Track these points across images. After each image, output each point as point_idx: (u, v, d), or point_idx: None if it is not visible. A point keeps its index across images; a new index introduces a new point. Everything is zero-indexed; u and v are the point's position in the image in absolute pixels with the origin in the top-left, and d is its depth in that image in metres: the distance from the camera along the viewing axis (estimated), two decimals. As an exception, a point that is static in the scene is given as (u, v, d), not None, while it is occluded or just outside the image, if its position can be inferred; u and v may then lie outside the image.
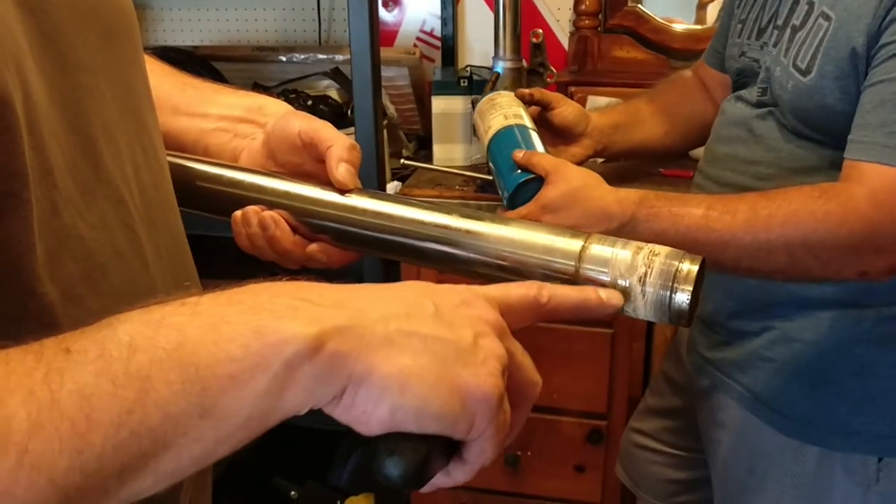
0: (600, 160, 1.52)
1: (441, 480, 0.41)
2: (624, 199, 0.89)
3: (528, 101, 1.13)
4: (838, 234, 0.81)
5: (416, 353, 0.38)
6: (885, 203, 0.81)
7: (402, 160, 1.45)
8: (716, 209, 0.86)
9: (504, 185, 1.00)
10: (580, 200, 0.90)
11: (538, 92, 1.15)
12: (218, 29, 2.05)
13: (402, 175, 1.57)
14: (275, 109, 0.68)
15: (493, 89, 1.22)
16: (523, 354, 0.45)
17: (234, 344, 0.35)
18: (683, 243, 0.81)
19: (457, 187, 1.43)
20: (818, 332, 0.95)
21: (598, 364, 1.42)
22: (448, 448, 0.40)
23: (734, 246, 0.85)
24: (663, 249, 0.52)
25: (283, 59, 1.84)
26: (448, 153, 1.58)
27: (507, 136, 1.04)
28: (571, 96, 1.67)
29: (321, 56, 1.81)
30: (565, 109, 1.15)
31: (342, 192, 0.61)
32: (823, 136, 0.91)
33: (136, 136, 0.54)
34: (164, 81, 0.69)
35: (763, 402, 1.01)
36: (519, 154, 0.97)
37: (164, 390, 0.34)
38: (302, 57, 1.83)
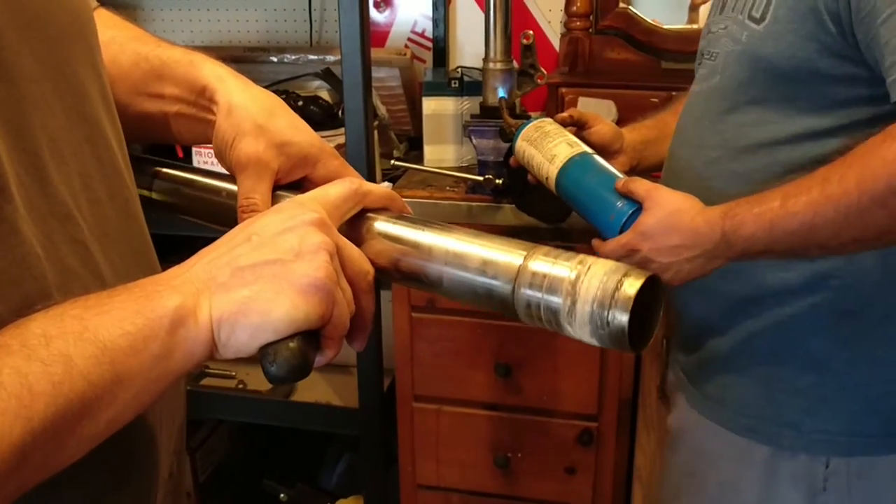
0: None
1: (318, 360, 0.49)
2: (710, 217, 0.89)
3: (567, 123, 1.14)
4: None
5: (248, 283, 0.46)
6: None
7: (392, 161, 1.46)
8: (791, 194, 0.83)
9: (604, 213, 0.98)
10: (675, 226, 0.91)
11: (576, 112, 1.17)
12: (209, 30, 2.04)
13: (392, 176, 1.56)
14: (217, 91, 0.63)
15: (505, 114, 1.23)
16: (351, 247, 0.51)
17: (125, 322, 0.43)
18: (774, 239, 0.83)
19: (447, 188, 1.43)
20: (773, 326, 0.94)
21: (588, 366, 1.42)
22: (315, 336, 0.47)
23: (823, 223, 0.81)
24: (607, 264, 0.48)
25: (274, 59, 1.84)
26: (439, 154, 1.58)
27: (584, 165, 1.03)
28: (562, 98, 1.67)
29: (312, 57, 1.81)
30: (602, 128, 1.16)
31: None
32: (769, 95, 0.90)
33: (90, 144, 0.53)
34: (123, 54, 0.65)
35: (714, 400, 1.01)
36: (619, 183, 0.97)
37: (83, 363, 0.41)
38: (293, 57, 1.82)
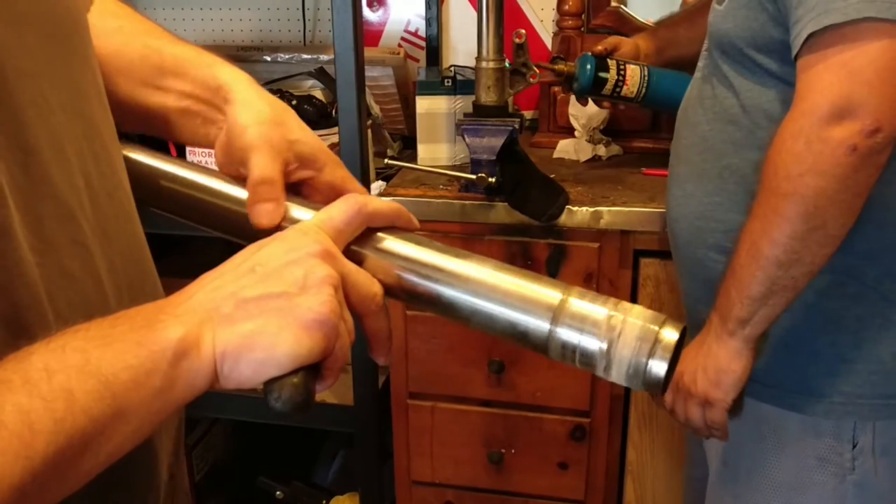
0: (605, 157, 1.59)
1: (317, 388, 0.48)
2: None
3: (604, 55, 1.43)
4: (794, 151, 0.84)
5: (253, 316, 0.45)
6: (799, 98, 0.85)
7: (386, 160, 1.46)
8: (733, 264, 0.93)
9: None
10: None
11: (606, 44, 1.47)
12: (202, 29, 2.05)
13: (386, 175, 1.57)
14: (231, 90, 0.62)
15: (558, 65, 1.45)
16: (357, 272, 0.51)
17: (127, 355, 0.42)
18: (752, 298, 0.90)
19: (441, 187, 1.44)
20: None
21: (581, 362, 1.42)
22: (316, 367, 0.47)
23: (765, 262, 0.88)
24: (645, 312, 0.49)
25: (268, 58, 1.84)
26: (432, 153, 1.58)
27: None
28: (554, 97, 1.68)
29: (306, 56, 1.81)
30: (626, 50, 1.47)
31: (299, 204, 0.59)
32: (742, 67, 0.95)
33: (87, 141, 0.52)
34: (131, 45, 0.65)
35: None
36: None
37: (84, 398, 0.40)
38: (286, 57, 1.83)
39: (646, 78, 1.42)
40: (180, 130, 0.65)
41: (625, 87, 1.41)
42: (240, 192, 0.59)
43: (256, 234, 0.55)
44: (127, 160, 0.60)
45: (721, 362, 0.96)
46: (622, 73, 1.41)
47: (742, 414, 1.03)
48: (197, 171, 0.62)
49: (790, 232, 0.86)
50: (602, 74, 1.40)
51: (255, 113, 0.60)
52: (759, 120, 0.94)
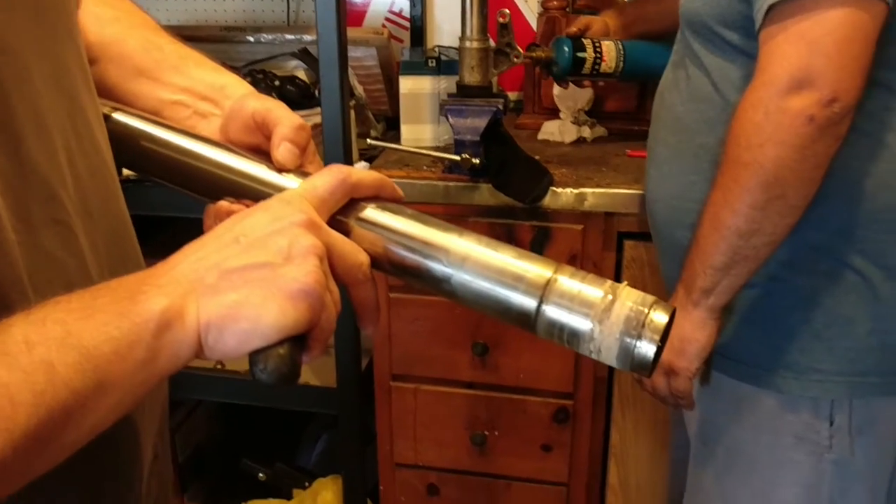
0: (590, 138, 1.59)
1: (304, 360, 0.48)
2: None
3: (579, 36, 1.47)
4: (755, 121, 0.85)
5: (237, 287, 0.45)
6: (760, 69, 0.86)
7: (369, 141, 1.45)
8: (697, 240, 0.95)
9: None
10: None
11: (576, 25, 1.53)
12: (185, 9, 2.02)
13: (369, 156, 1.56)
14: (236, 91, 0.66)
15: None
16: (343, 242, 0.51)
17: (109, 326, 0.42)
18: (715, 268, 0.92)
19: (425, 168, 1.43)
20: (761, 270, 0.96)
21: (564, 344, 1.43)
22: (302, 338, 0.47)
23: (726, 232, 0.90)
24: (635, 293, 0.49)
25: (251, 39, 1.82)
26: (416, 134, 1.57)
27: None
28: (539, 77, 1.68)
29: (289, 36, 1.79)
30: (597, 28, 1.52)
31: (280, 171, 0.58)
32: (713, 45, 0.96)
33: (70, 119, 0.52)
34: (130, 36, 0.66)
35: (715, 351, 1.02)
36: None
37: (66, 371, 0.39)
38: (270, 37, 1.81)
39: (621, 52, 1.46)
40: (165, 120, 0.65)
41: (603, 64, 1.44)
42: (221, 155, 0.59)
43: (239, 198, 0.56)
44: (108, 120, 0.60)
45: (685, 332, 0.98)
46: (598, 50, 1.44)
47: (719, 392, 1.04)
48: (179, 134, 0.61)
49: (750, 201, 0.87)
50: (580, 55, 1.42)
51: (255, 95, 0.63)
52: (729, 97, 0.94)
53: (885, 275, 0.92)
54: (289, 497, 1.74)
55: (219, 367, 1.71)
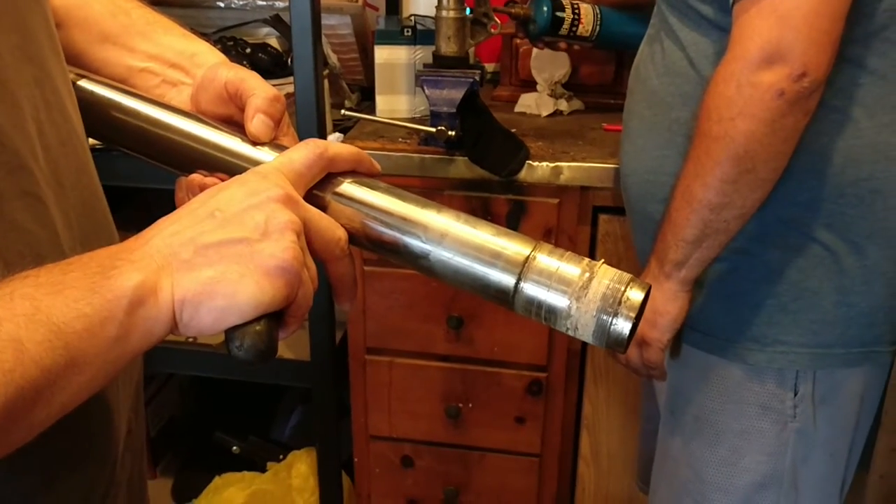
0: (566, 111, 1.59)
1: (280, 336, 0.48)
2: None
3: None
4: (726, 94, 0.86)
5: (213, 262, 0.44)
6: (732, 42, 0.86)
7: (343, 111, 1.43)
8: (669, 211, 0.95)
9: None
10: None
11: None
12: (152, -28, 1.97)
13: (343, 127, 1.54)
14: (207, 59, 0.64)
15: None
16: (320, 217, 0.50)
17: (80, 303, 0.41)
18: (686, 241, 0.93)
19: (400, 140, 1.41)
20: (729, 244, 0.97)
21: (539, 317, 1.43)
22: (279, 315, 0.47)
23: (697, 205, 0.90)
24: (612, 272, 0.50)
25: (221, 4, 1.78)
26: (391, 104, 1.55)
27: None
28: (516, 49, 1.66)
29: (261, 2, 1.75)
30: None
31: (254, 144, 0.57)
32: (687, 20, 0.96)
33: (38, 87, 0.50)
34: (97, 1, 0.64)
35: (685, 323, 1.03)
36: None
37: (35, 349, 0.38)
38: (241, 3, 1.77)
39: (598, 16, 1.45)
40: (133, 88, 0.63)
41: (580, 26, 1.43)
42: (193, 127, 0.58)
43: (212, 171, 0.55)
44: (77, 88, 0.58)
45: (657, 304, 0.99)
46: (577, 11, 1.42)
47: (688, 364, 1.05)
48: (148, 103, 0.60)
49: (721, 175, 0.88)
50: (559, 14, 1.41)
51: (227, 64, 0.62)
52: (704, 71, 0.94)
53: (850, 248, 0.93)
54: (263, 470, 1.74)
55: (191, 340, 1.70)
